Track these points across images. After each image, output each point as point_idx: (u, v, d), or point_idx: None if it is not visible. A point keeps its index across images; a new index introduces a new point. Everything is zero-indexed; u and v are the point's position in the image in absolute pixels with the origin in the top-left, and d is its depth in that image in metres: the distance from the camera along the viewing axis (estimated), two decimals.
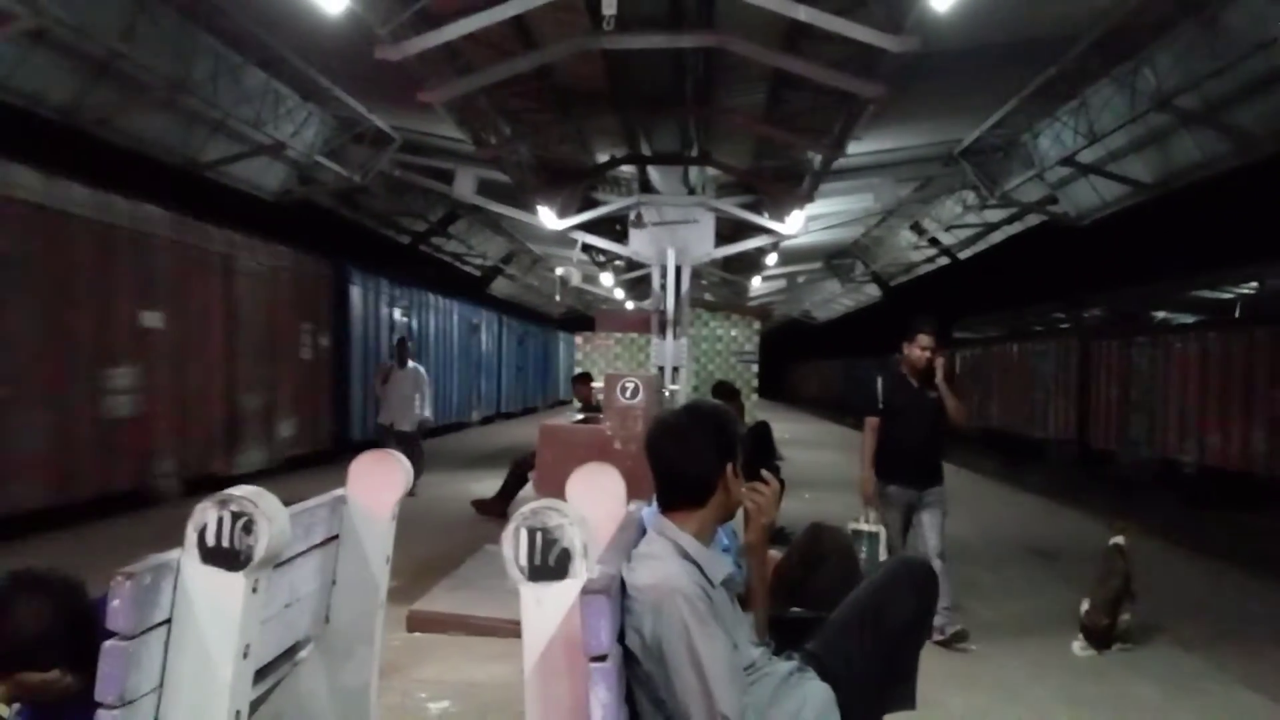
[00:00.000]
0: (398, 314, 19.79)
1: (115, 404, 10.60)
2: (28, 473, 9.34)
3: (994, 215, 18.75)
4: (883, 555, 5.82)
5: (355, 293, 17.63)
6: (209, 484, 8.88)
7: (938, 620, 5.97)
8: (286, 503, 2.71)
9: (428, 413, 12.80)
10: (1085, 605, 6.39)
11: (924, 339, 6.27)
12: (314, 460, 14.62)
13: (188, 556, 2.45)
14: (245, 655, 2.45)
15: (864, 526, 6.07)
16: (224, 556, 2.45)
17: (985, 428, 25.26)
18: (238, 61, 11.74)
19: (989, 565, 9.01)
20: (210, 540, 2.46)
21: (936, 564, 5.77)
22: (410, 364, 12.76)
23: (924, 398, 6.31)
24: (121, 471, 10.71)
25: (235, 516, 2.46)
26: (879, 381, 6.47)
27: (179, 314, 11.75)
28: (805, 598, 3.16)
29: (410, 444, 11.76)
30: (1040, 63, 10.85)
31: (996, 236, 20.28)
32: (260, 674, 2.69)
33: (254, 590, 2.46)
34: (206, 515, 2.48)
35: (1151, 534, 9.29)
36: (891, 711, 2.80)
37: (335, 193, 16.88)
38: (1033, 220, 18.38)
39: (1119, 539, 6.55)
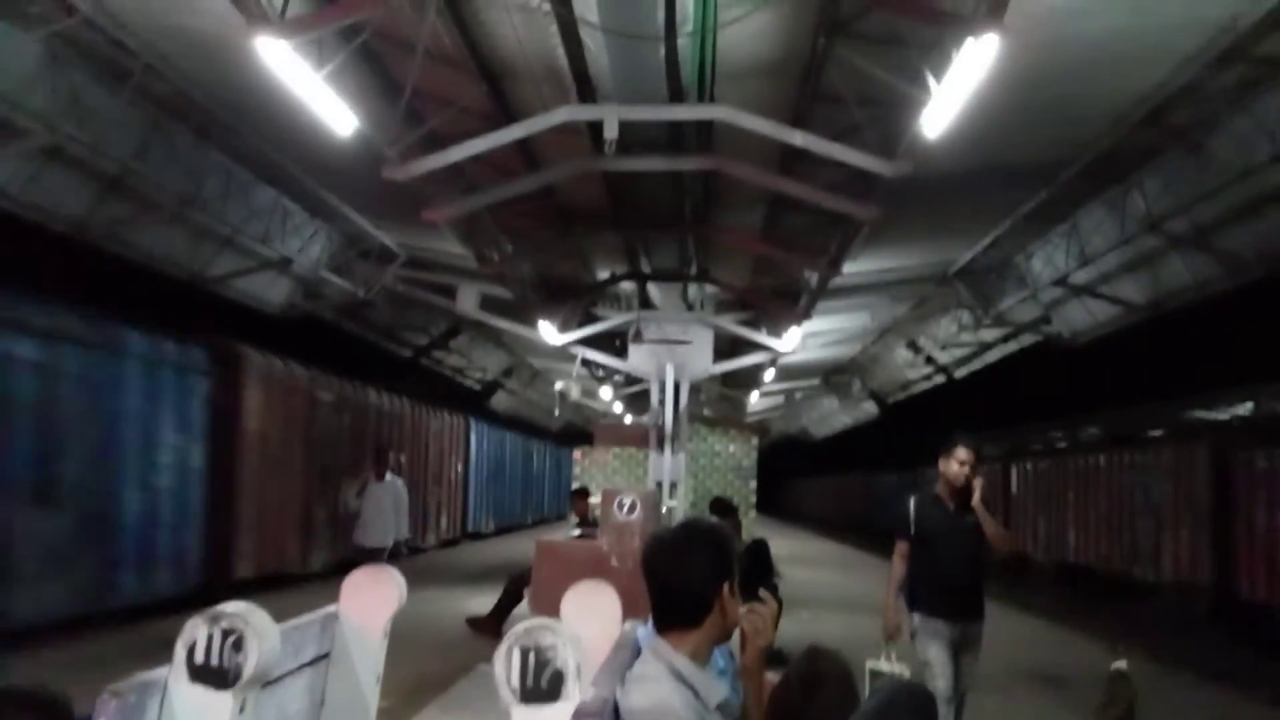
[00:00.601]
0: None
1: None
2: None
3: (989, 334, 18.94)
4: None
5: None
6: None
7: None
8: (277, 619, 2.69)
9: (405, 531, 11.93)
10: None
11: (962, 452, 5.74)
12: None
13: (175, 674, 2.43)
14: None
15: (884, 666, 5.34)
16: (212, 675, 2.42)
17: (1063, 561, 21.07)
18: (248, 178, 12.01)
19: (991, 690, 8.80)
20: (199, 658, 2.44)
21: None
22: (389, 476, 11.96)
23: (961, 521, 5.76)
24: None
25: (225, 634, 2.44)
26: (911, 502, 5.96)
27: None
28: (806, 713, 3.10)
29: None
30: (1031, 186, 11.10)
31: (992, 355, 20.45)
32: None
33: (241, 710, 2.43)
34: (196, 632, 2.46)
35: (1156, 658, 9.11)
36: None
37: (339, 307, 17.07)
38: (1027, 339, 18.55)
39: (1121, 663, 6.43)
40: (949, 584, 5.71)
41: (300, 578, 14.32)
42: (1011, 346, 19.54)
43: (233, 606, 2.53)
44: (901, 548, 5.89)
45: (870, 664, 5.24)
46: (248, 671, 2.41)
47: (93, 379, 10.41)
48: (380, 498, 11.57)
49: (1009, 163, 10.11)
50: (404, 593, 3.32)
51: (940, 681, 5.53)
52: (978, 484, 5.73)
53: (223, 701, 2.41)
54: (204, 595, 9.83)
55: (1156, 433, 18.92)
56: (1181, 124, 9.64)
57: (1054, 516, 21.30)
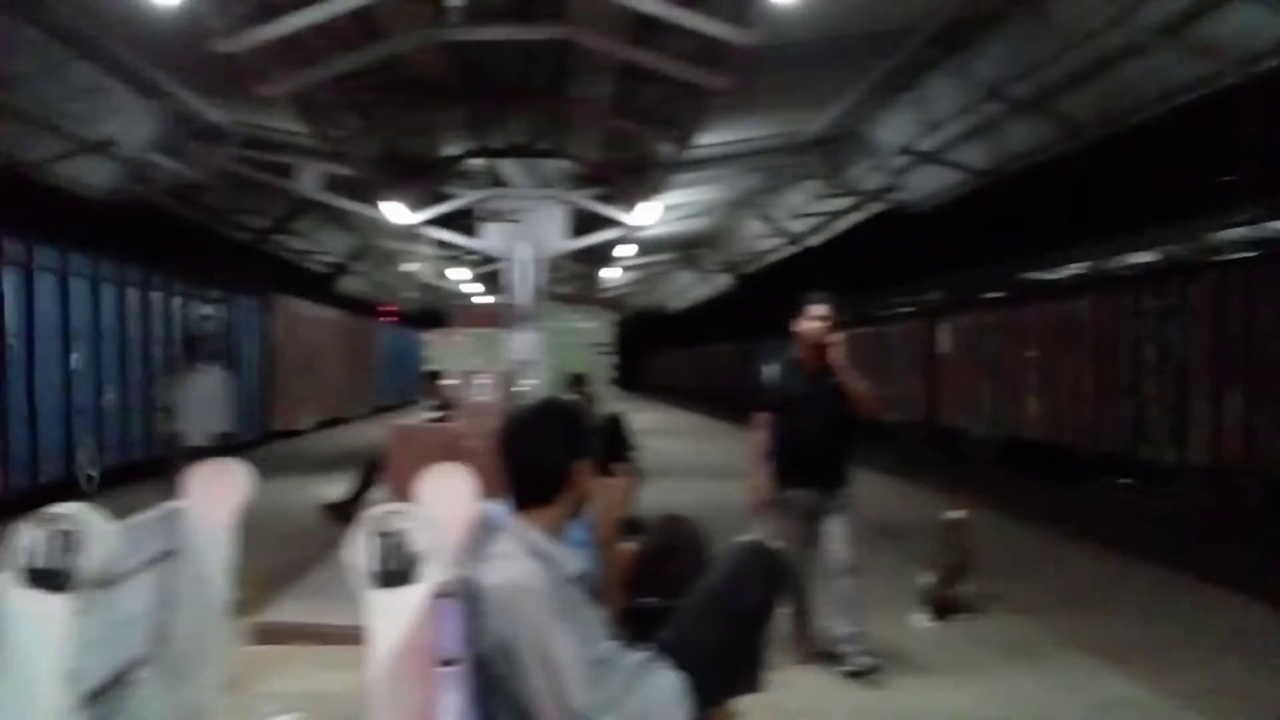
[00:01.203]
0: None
1: None
2: None
3: (839, 204, 19.29)
4: None
5: None
6: None
7: (847, 648, 5.48)
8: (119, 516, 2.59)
9: (224, 424, 11.43)
10: (926, 579, 6.64)
11: (817, 309, 5.47)
12: None
13: (7, 579, 2.31)
14: (70, 679, 2.32)
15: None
16: (46, 578, 2.32)
17: None
18: (64, 55, 11.11)
19: None
20: (32, 561, 2.33)
21: (847, 581, 5.45)
22: (207, 365, 11.34)
23: (822, 385, 5.46)
24: None
25: (57, 535, 2.33)
26: (770, 370, 5.72)
27: None
28: (658, 588, 3.18)
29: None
30: (880, 54, 11.21)
31: (842, 224, 20.89)
32: (92, 697, 2.55)
33: (79, 612, 2.34)
34: (28, 534, 2.35)
35: (988, 506, 9.72)
36: (740, 694, 2.84)
37: (171, 190, 16.17)
38: (876, 207, 18.98)
39: (955, 512, 6.83)
40: (809, 451, 5.49)
41: None
42: (860, 214, 19.97)
43: (66, 507, 2.42)
44: (762, 418, 5.66)
45: (739, 540, 5.01)
46: (83, 572, 2.31)
47: None
48: (193, 389, 11.15)
49: (858, 31, 10.17)
50: (252, 484, 3.23)
51: (795, 553, 5.33)
52: (836, 342, 5.40)
53: (60, 605, 2.32)
54: None
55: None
56: None
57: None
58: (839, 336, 5.45)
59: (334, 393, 27.21)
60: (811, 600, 5.56)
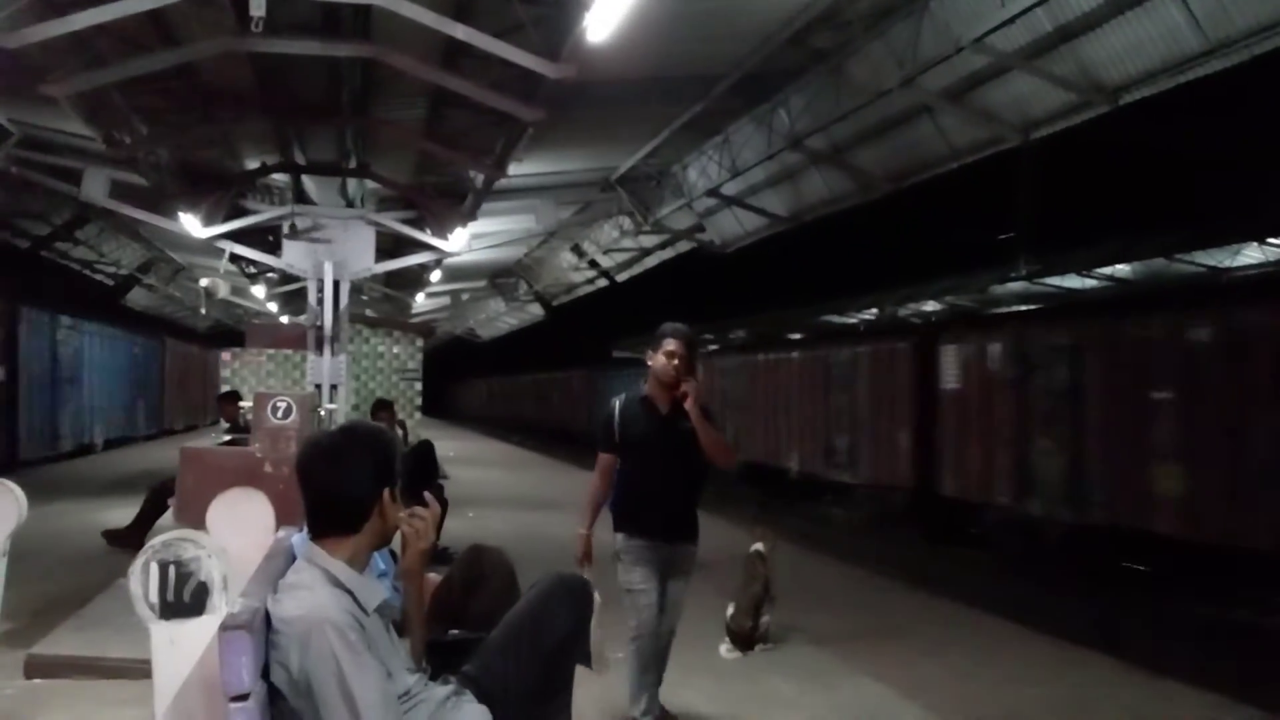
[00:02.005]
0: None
1: None
2: None
3: (648, 240, 19.69)
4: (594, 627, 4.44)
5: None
6: None
7: (643, 703, 5.05)
8: None
9: None
10: (730, 610, 6.79)
11: (671, 343, 4.87)
12: None
13: None
14: None
15: None
16: None
17: None
18: None
19: None
20: None
21: (667, 641, 5.08)
22: None
23: (674, 429, 4.90)
24: None
25: None
26: (615, 405, 5.07)
27: None
28: (465, 619, 3.15)
29: None
30: (689, 99, 11.53)
31: (651, 261, 21.32)
32: None
33: None
34: None
35: (790, 540, 10.03)
36: None
37: None
38: (684, 246, 19.47)
39: (759, 545, 7.03)
40: (658, 499, 4.94)
41: None
42: (669, 253, 20.43)
43: None
44: (604, 460, 5.06)
45: None
46: None
47: None
48: None
49: (668, 74, 10.43)
50: (24, 506, 3.01)
51: (646, 611, 4.92)
52: (691, 384, 4.84)
53: None
54: None
55: None
56: (824, 46, 10.32)
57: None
58: (694, 377, 4.90)
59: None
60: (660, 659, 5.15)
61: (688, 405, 4.81)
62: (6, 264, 19.57)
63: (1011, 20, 8.54)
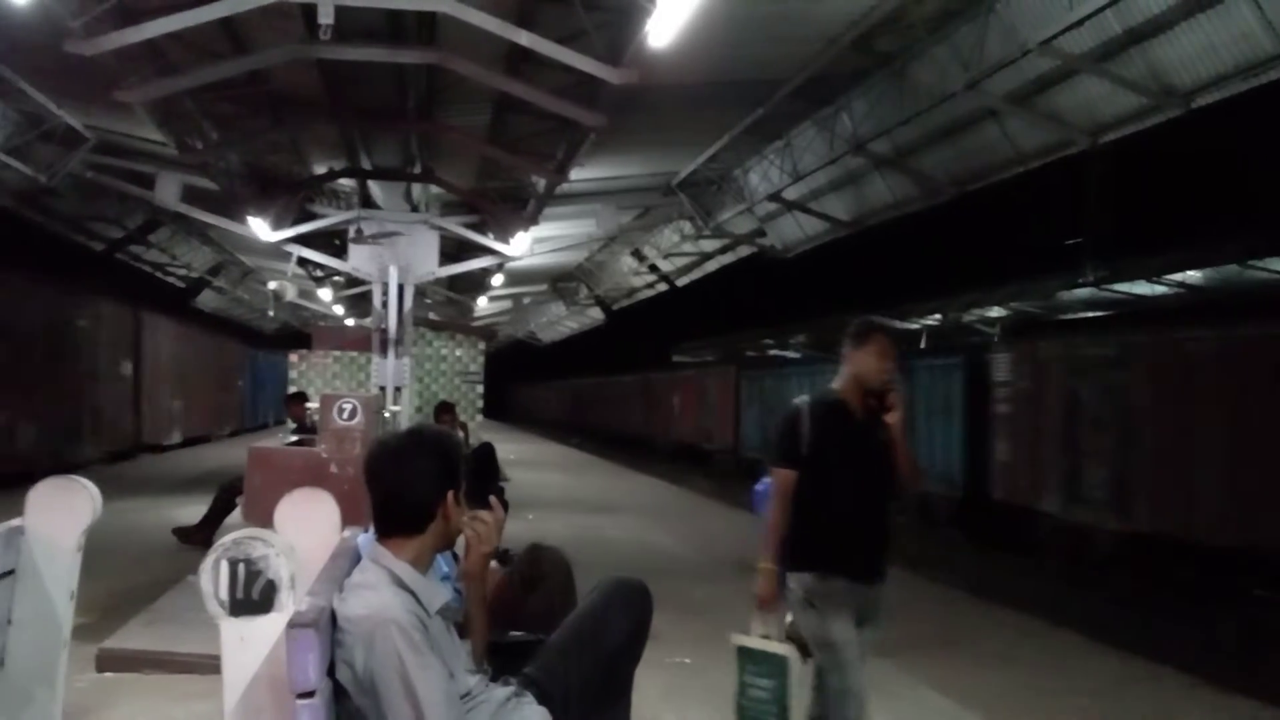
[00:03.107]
0: None
1: None
2: None
3: (709, 245, 19.67)
4: (795, 690, 3.97)
5: None
6: None
7: None
8: None
9: None
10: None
11: (880, 340, 4.00)
12: None
13: None
14: None
15: (758, 643, 4.05)
16: None
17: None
18: None
19: (702, 579, 9.35)
20: None
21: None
22: None
23: (872, 441, 3.98)
24: None
25: None
26: (802, 410, 4.02)
27: None
28: (524, 619, 3.17)
29: None
30: (750, 103, 11.51)
31: (711, 265, 21.29)
32: None
33: None
34: None
35: None
36: None
37: (18, 194, 15.38)
38: (744, 250, 19.42)
39: None
40: (857, 527, 3.98)
41: None
42: (729, 257, 20.40)
43: None
44: (785, 477, 3.99)
45: (737, 639, 4.10)
46: None
47: None
48: None
49: (730, 79, 10.42)
50: (98, 503, 3.08)
51: (851, 672, 3.97)
52: (897, 397, 3.96)
53: None
54: None
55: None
56: (888, 49, 10.24)
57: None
58: (899, 391, 4.01)
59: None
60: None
61: (891, 417, 3.92)
62: (83, 266, 20.10)
63: (1080, 23, 8.40)
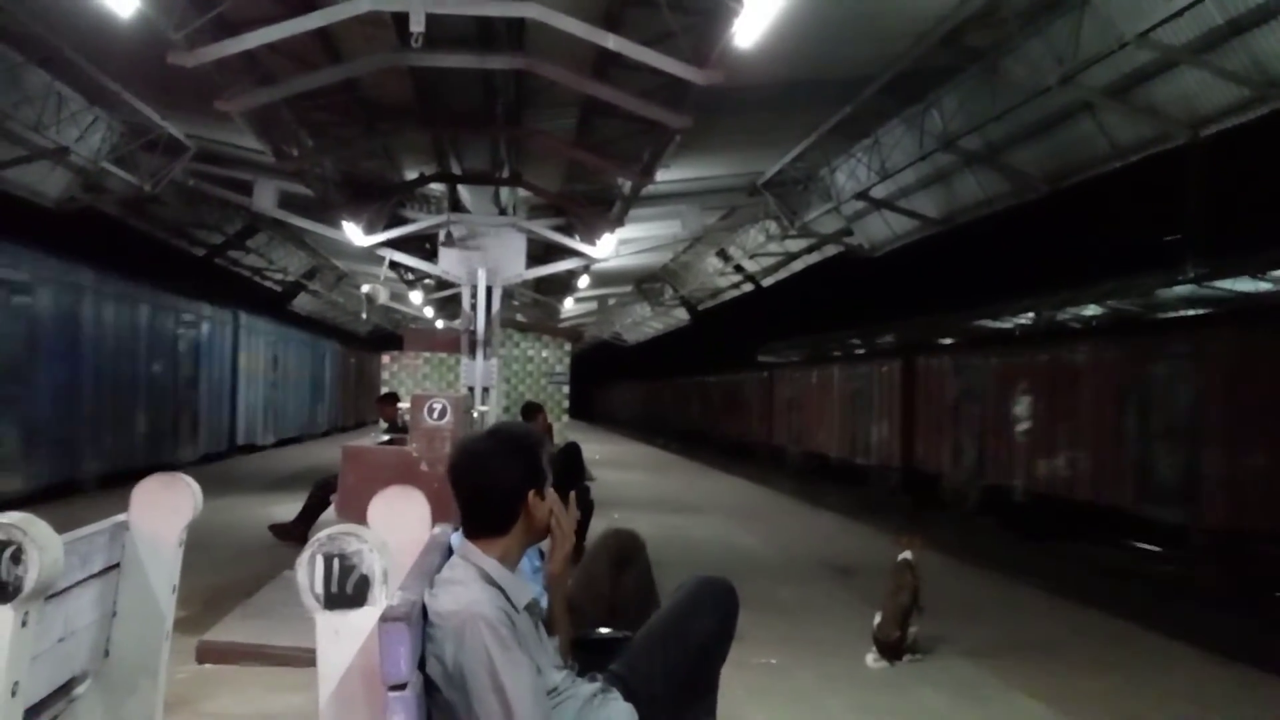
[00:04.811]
0: None
1: None
2: None
3: (794, 245, 19.52)
4: None
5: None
6: None
7: None
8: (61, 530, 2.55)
9: None
10: (877, 619, 6.67)
11: None
12: None
13: None
14: (14, 693, 2.28)
15: None
16: None
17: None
18: (16, 60, 10.99)
19: (788, 580, 9.30)
20: None
21: None
22: None
23: None
24: None
25: (3, 545, 2.30)
26: None
27: None
28: (620, 600, 3.20)
29: None
30: (837, 101, 11.40)
31: (797, 265, 21.13)
32: (32, 712, 2.51)
33: (24, 624, 2.30)
34: None
35: (939, 549, 9.76)
36: None
37: (123, 202, 15.98)
38: (830, 250, 19.23)
39: (907, 554, 6.87)
40: None
41: None
42: (815, 257, 20.22)
43: (9, 517, 2.38)
44: None
45: None
46: (29, 584, 2.28)
47: None
48: None
49: (816, 77, 10.33)
50: (199, 500, 3.19)
51: None
52: None
53: (4, 615, 2.28)
54: None
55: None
56: (979, 45, 10.05)
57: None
58: None
59: None
60: None
61: None
62: (185, 271, 20.80)
63: (1179, 14, 8.16)
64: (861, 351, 25.60)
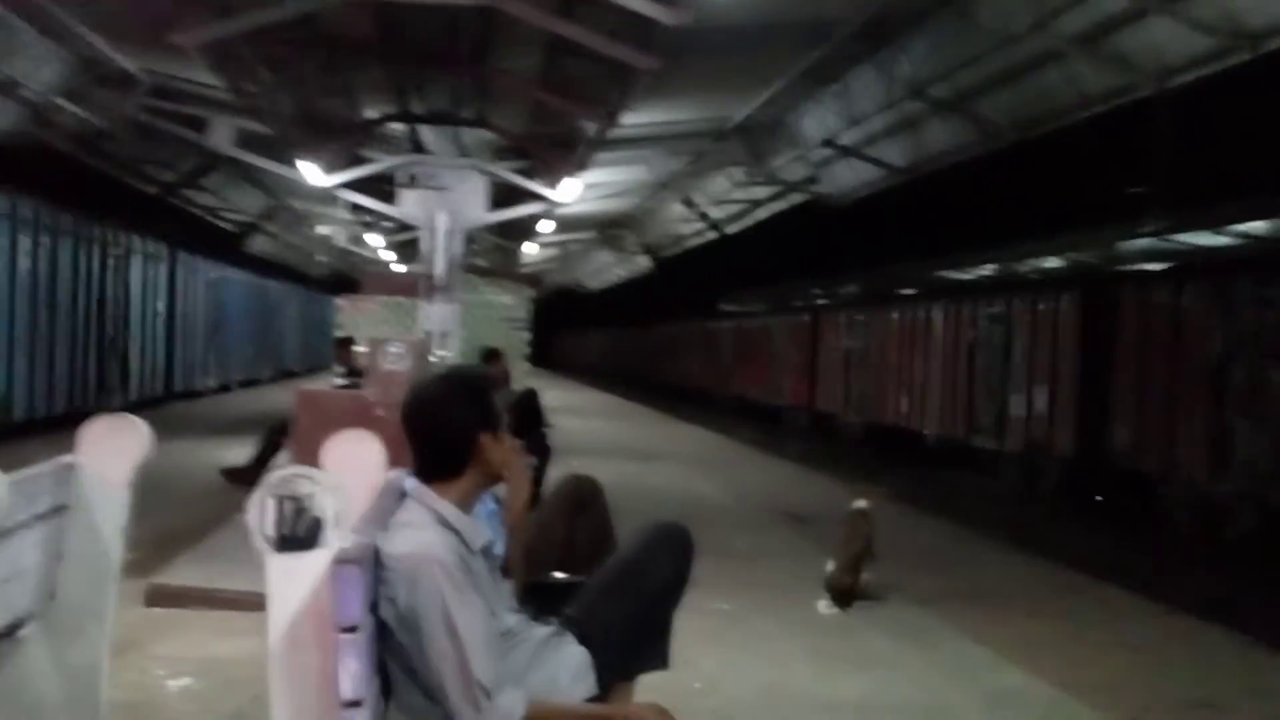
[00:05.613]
0: None
1: None
2: None
3: (760, 192, 19.43)
4: None
5: None
6: None
7: None
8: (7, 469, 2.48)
9: None
10: (830, 566, 6.74)
11: None
12: None
13: None
14: None
15: None
16: None
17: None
18: None
19: (744, 528, 9.37)
20: None
21: None
22: None
23: None
24: None
25: None
26: None
27: None
28: (577, 544, 3.19)
29: None
30: (807, 45, 11.28)
31: (762, 213, 21.06)
32: None
33: None
34: None
35: (898, 499, 9.87)
36: (645, 671, 2.85)
37: (74, 137, 15.57)
38: (796, 198, 19.16)
39: (862, 502, 6.94)
40: None
41: None
42: (781, 205, 20.14)
43: None
44: None
45: None
46: None
47: None
48: None
49: (786, 20, 10.21)
50: (149, 442, 3.12)
51: None
52: None
53: None
54: None
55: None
56: None
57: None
58: None
59: None
60: None
61: None
62: (134, 208, 20.36)
63: None
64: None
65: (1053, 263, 17.57)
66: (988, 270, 19.52)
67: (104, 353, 17.68)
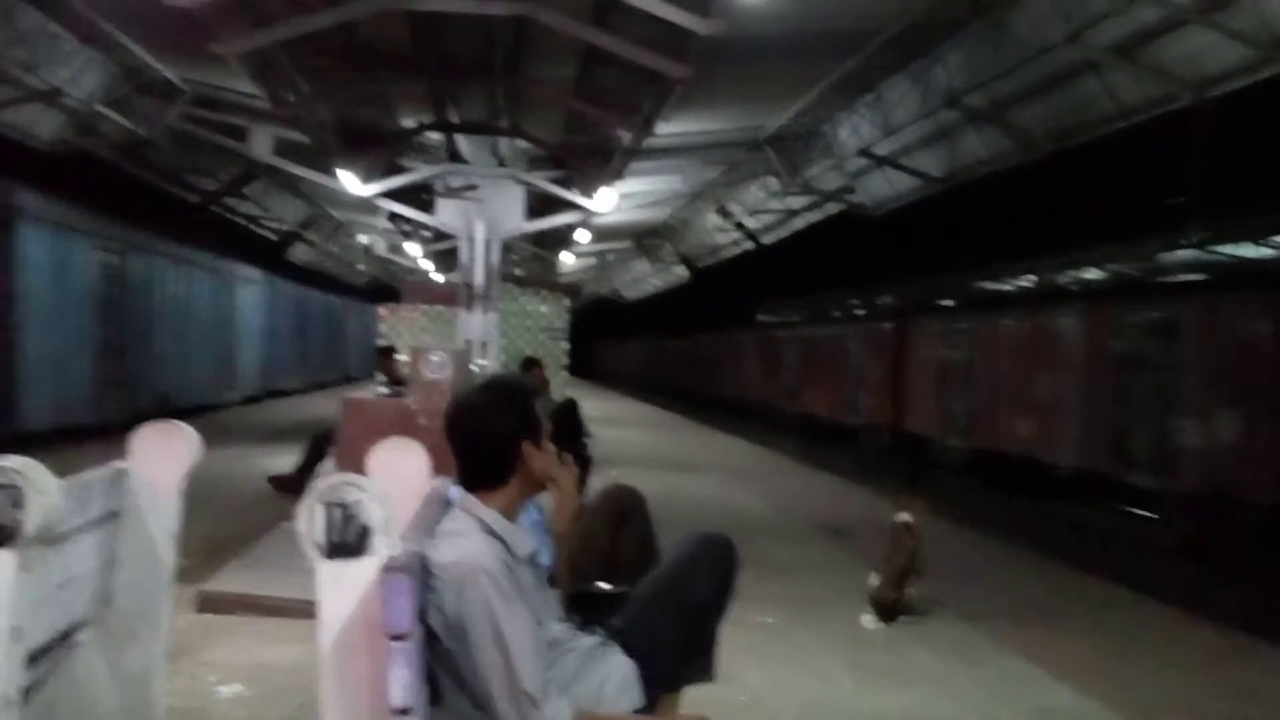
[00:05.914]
0: None
1: None
2: None
3: (796, 202, 19.38)
4: None
5: None
6: None
7: None
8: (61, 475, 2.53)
9: None
10: (873, 579, 6.69)
11: None
12: None
13: None
14: (16, 637, 2.27)
15: None
16: None
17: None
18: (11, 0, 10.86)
19: (786, 541, 9.32)
20: None
21: None
22: None
23: None
24: None
25: (2, 489, 2.27)
26: None
27: None
28: (619, 556, 3.20)
29: None
30: (841, 55, 11.26)
31: (798, 223, 21.00)
32: (34, 657, 2.50)
33: (24, 568, 2.28)
34: None
35: (939, 513, 9.76)
36: (691, 683, 2.86)
37: (117, 146, 15.81)
38: (832, 208, 19.10)
39: (906, 516, 6.87)
40: None
41: None
42: (817, 214, 20.08)
43: (8, 460, 2.36)
44: None
45: None
46: (29, 528, 2.26)
47: None
48: None
49: (820, 29, 10.20)
50: (198, 448, 3.16)
51: None
52: None
53: (4, 559, 2.26)
54: None
55: None
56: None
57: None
58: None
59: None
60: None
61: None
62: (178, 218, 20.66)
63: None
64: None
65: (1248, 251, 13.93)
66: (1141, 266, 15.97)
67: (223, 359, 22.19)
